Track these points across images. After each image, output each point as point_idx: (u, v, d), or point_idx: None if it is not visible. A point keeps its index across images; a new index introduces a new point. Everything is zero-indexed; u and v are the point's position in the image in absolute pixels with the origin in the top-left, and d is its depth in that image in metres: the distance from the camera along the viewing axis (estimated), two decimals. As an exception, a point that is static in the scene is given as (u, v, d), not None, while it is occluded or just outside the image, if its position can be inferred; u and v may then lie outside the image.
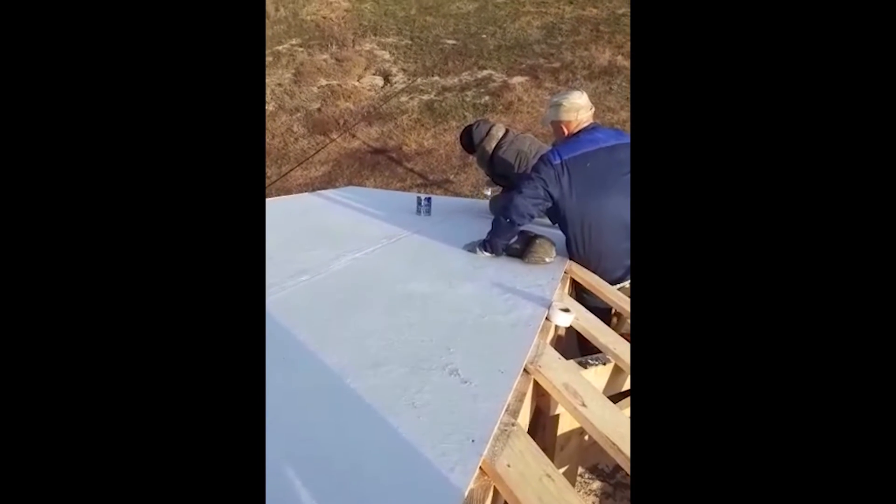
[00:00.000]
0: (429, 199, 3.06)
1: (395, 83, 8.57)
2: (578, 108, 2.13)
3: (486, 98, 7.73)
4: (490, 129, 3.00)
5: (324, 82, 8.79)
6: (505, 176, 2.93)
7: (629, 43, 8.07)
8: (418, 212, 3.01)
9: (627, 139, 2.10)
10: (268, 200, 3.21)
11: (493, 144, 2.96)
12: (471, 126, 3.09)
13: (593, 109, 2.20)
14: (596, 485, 2.17)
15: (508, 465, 0.92)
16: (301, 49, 9.56)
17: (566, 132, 2.14)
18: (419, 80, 8.45)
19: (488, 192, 3.33)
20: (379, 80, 8.72)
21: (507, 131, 3.01)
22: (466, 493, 0.85)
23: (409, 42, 9.41)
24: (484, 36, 9.22)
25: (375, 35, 9.70)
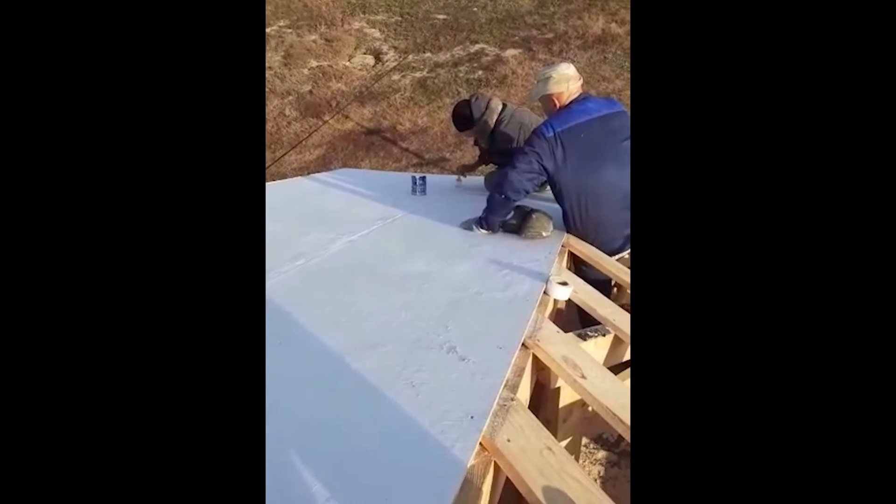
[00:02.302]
0: (423, 179, 3.04)
1: (387, 61, 8.46)
2: (568, 79, 2.10)
3: (480, 73, 7.63)
4: (489, 103, 2.93)
5: (314, 64, 8.67)
6: (504, 152, 2.88)
7: (623, 10, 7.94)
8: (413, 191, 2.99)
9: (620, 107, 2.07)
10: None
11: (495, 118, 2.89)
12: (466, 101, 3.02)
13: (582, 80, 2.17)
14: (601, 454, 2.19)
15: (508, 440, 0.92)
16: (290, 30, 9.41)
17: (557, 104, 2.11)
18: (411, 57, 8.34)
19: (461, 180, 3.31)
20: (370, 59, 8.60)
21: (504, 105, 2.96)
22: (467, 470, 0.85)
23: (399, 19, 9.27)
24: (475, 9, 9.07)
25: (364, 13, 9.55)
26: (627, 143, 1.99)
